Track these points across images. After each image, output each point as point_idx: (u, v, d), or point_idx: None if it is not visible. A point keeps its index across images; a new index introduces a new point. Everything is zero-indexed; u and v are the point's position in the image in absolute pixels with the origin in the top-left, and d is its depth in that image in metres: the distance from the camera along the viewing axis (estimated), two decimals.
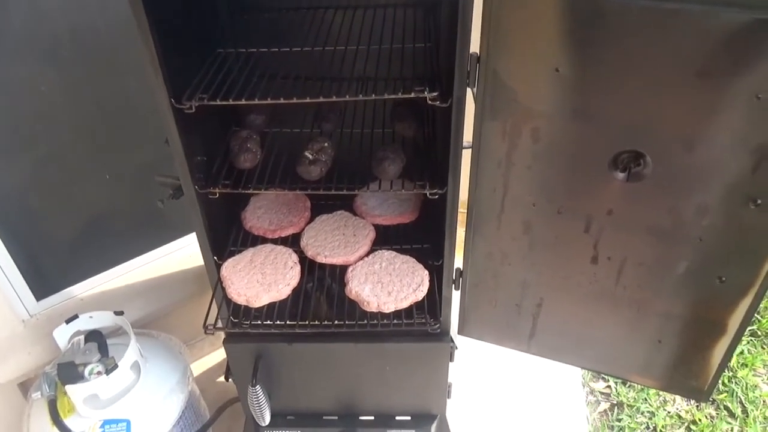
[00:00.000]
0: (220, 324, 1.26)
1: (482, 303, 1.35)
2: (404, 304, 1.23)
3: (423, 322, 1.28)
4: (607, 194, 1.08)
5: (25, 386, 1.75)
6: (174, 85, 1.09)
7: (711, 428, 1.94)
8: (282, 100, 1.09)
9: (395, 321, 1.27)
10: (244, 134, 1.29)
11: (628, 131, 1.01)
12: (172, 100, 1.09)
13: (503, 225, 1.20)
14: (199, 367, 2.11)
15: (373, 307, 1.23)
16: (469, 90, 1.07)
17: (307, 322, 1.29)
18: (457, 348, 1.44)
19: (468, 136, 1.14)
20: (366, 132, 1.41)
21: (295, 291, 1.30)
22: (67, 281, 1.78)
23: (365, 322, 1.28)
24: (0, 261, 1.61)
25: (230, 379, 1.53)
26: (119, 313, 1.58)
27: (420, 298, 1.25)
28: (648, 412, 1.99)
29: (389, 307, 1.22)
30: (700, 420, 1.96)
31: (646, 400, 2.02)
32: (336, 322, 1.30)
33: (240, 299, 1.24)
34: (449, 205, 1.20)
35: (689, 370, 1.25)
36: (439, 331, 1.31)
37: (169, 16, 1.07)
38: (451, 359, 1.46)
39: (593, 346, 1.32)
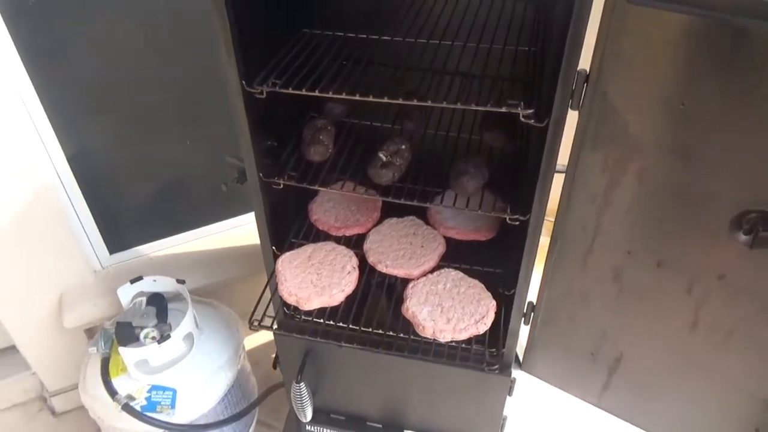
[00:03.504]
0: (266, 322, 1.20)
1: (552, 343, 1.22)
2: (462, 336, 1.11)
3: (480, 357, 1.15)
4: (723, 256, 0.90)
5: (91, 332, 1.81)
6: (248, 64, 1.02)
7: None
8: (358, 97, 0.99)
9: (452, 344, 1.16)
10: (319, 124, 1.20)
11: (762, 188, 0.82)
12: (243, 82, 1.01)
13: (589, 267, 1.05)
14: (257, 338, 2.10)
15: (427, 333, 1.12)
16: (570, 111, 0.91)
17: (359, 327, 1.21)
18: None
19: (563, 158, 0.99)
20: (451, 136, 1.28)
21: (349, 297, 1.21)
22: (139, 239, 1.82)
23: (420, 338, 1.18)
24: (79, 212, 1.66)
25: (278, 368, 1.50)
26: (181, 282, 1.57)
27: (481, 332, 1.13)
28: None
29: (445, 336, 1.11)
30: None
31: None
32: (389, 332, 1.21)
33: (290, 299, 1.17)
34: (530, 235, 1.06)
35: None
36: (497, 372, 1.18)
37: None
38: (510, 393, 1.33)
39: (674, 417, 1.15)
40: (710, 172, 0.84)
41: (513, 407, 1.40)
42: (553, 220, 1.05)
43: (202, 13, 1.50)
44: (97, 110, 1.56)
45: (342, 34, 1.16)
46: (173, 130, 1.68)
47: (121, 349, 1.43)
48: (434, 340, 1.14)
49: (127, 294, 1.58)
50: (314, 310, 1.20)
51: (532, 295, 1.18)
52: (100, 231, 1.72)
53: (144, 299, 1.58)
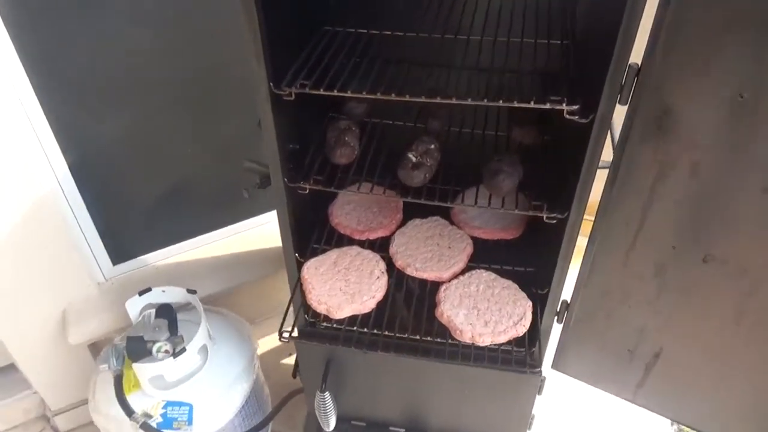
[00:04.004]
0: (296, 333, 1.16)
1: (587, 341, 1.19)
2: (501, 339, 1.08)
3: (522, 357, 1.13)
4: None
5: (95, 346, 1.74)
6: (274, 66, 0.97)
7: None
8: (393, 96, 0.95)
9: (491, 346, 1.13)
10: (342, 125, 1.16)
11: None
12: (271, 84, 0.97)
13: (631, 262, 1.03)
14: (264, 345, 2.04)
15: (466, 337, 1.09)
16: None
17: (393, 333, 1.17)
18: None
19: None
20: (477, 133, 1.25)
21: (379, 302, 1.18)
22: (144, 248, 1.75)
23: (456, 342, 1.15)
24: (81, 221, 1.59)
25: (297, 377, 1.45)
26: (192, 292, 1.52)
27: (521, 334, 1.10)
28: None
29: (485, 340, 1.08)
30: None
31: None
32: (421, 337, 1.18)
33: (320, 308, 1.13)
34: (568, 233, 1.04)
35: None
36: (539, 373, 1.16)
37: None
38: (539, 392, 1.31)
39: (716, 413, 1.13)
40: (766, 166, 0.83)
41: (540, 405, 1.38)
42: (589, 218, 1.03)
43: (212, 13, 1.45)
44: (99, 115, 1.49)
45: (366, 31, 1.11)
46: (176, 135, 1.62)
47: (136, 366, 1.37)
48: (473, 344, 1.11)
49: (135, 306, 1.51)
50: (344, 318, 1.16)
51: (565, 293, 1.16)
52: (102, 241, 1.65)
53: (153, 311, 1.52)
